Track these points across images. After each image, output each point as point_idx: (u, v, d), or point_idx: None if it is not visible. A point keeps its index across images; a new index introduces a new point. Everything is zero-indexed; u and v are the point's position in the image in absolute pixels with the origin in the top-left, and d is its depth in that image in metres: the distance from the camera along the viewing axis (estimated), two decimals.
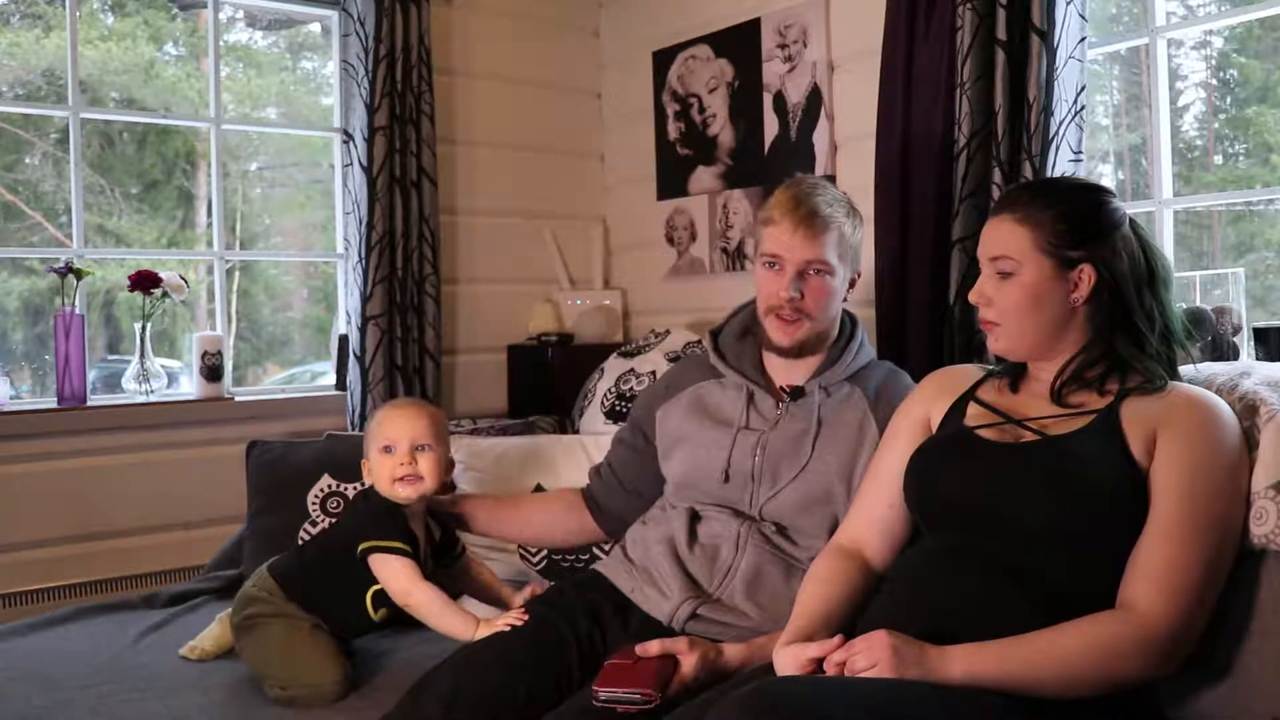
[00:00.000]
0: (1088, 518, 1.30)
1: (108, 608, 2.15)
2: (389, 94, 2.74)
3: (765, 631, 1.57)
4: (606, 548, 2.10)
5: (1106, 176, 2.95)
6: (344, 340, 2.83)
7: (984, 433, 1.44)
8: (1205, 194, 2.59)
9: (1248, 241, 3.10)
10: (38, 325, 3.40)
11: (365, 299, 2.74)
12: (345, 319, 2.86)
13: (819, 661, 1.28)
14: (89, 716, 1.60)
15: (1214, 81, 3.29)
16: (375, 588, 1.70)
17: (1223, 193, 2.56)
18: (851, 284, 1.78)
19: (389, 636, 1.88)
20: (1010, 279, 1.42)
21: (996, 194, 2.09)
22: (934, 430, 1.53)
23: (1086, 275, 1.39)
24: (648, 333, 2.82)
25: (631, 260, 3.31)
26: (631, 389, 2.52)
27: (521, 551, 2.16)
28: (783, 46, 2.75)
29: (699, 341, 1.93)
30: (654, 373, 2.49)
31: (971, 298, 1.48)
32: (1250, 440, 1.37)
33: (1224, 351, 1.95)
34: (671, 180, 3.11)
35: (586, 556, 2.11)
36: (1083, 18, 2.04)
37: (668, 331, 2.73)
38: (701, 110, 3.00)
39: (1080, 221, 1.40)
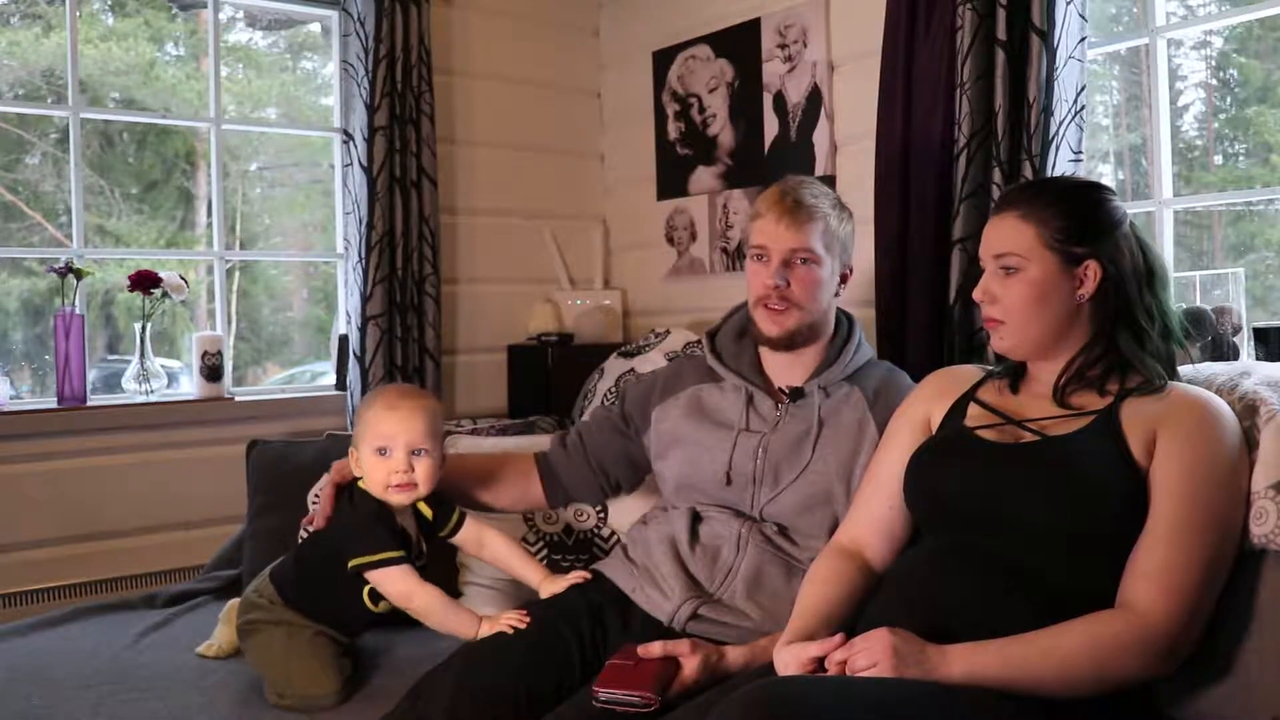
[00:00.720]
0: (1087, 518, 1.31)
1: (108, 608, 2.15)
2: (389, 94, 2.74)
3: (766, 632, 1.57)
4: (607, 548, 2.10)
5: (1106, 176, 2.94)
6: (344, 340, 2.83)
7: (984, 433, 1.44)
8: (1205, 194, 2.59)
9: (1248, 241, 3.10)
10: (38, 325, 3.40)
11: (365, 299, 2.74)
12: (345, 319, 2.86)
13: (820, 660, 1.28)
14: (89, 716, 1.60)
15: (1214, 81, 3.28)
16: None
17: (1223, 193, 2.56)
18: (843, 279, 1.78)
19: (389, 635, 1.88)
20: (1016, 275, 1.42)
21: (997, 194, 2.09)
22: (934, 431, 1.54)
23: (1092, 271, 1.40)
24: (648, 333, 2.82)
25: (631, 260, 3.31)
26: None
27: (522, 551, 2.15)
28: (783, 46, 2.75)
29: (699, 341, 1.92)
30: (654, 373, 2.49)
31: (976, 295, 1.48)
32: (1250, 440, 1.37)
33: (1224, 351, 1.95)
34: (671, 180, 3.11)
35: (586, 557, 2.11)
36: (1083, 18, 2.04)
37: (668, 331, 2.73)
38: (701, 110, 3.00)
39: (1084, 218, 1.41)
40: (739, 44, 2.88)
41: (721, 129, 2.95)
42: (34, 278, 3.43)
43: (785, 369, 1.78)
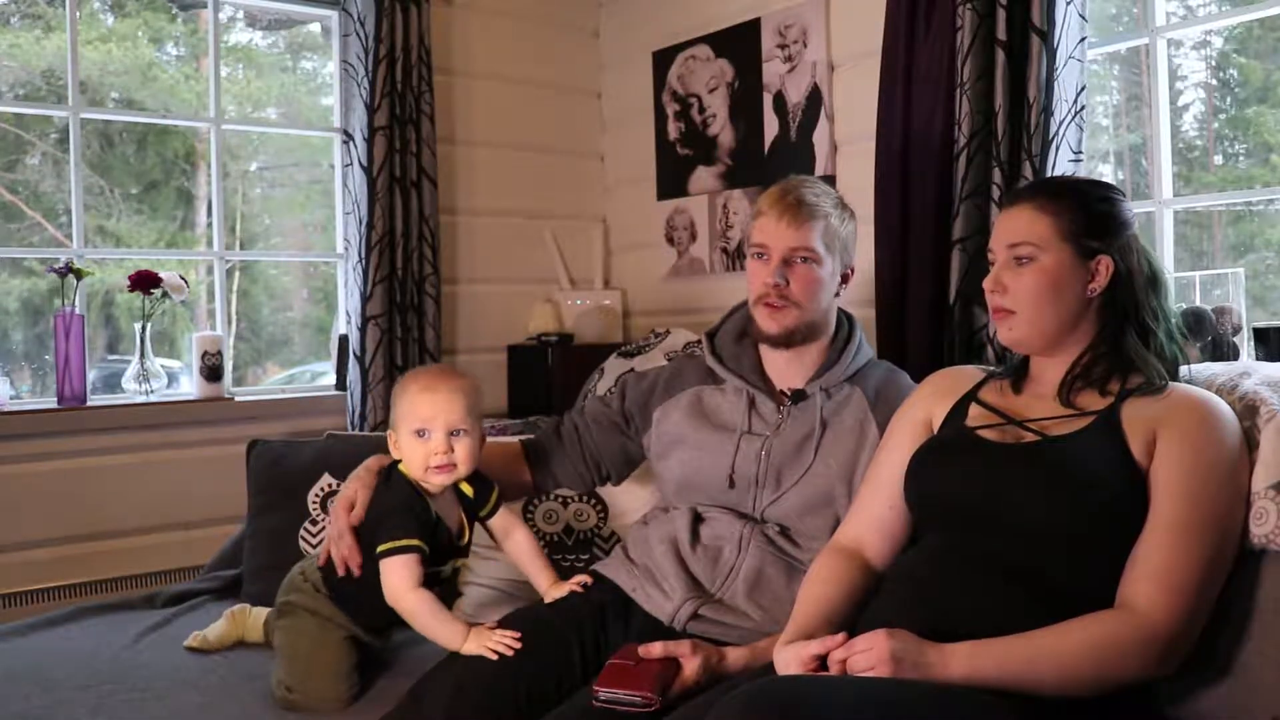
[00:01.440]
0: (1088, 518, 1.31)
1: (108, 608, 2.15)
2: (389, 94, 2.74)
3: (766, 632, 1.57)
4: (607, 548, 2.11)
5: (1106, 176, 2.94)
6: (344, 340, 2.83)
7: (984, 433, 1.44)
8: (1205, 194, 2.59)
9: (1248, 241, 3.10)
10: (38, 325, 3.40)
11: (365, 299, 2.74)
12: (345, 319, 2.86)
13: (821, 659, 1.28)
14: (89, 716, 1.60)
15: (1214, 81, 3.29)
16: None
17: (1223, 193, 2.56)
18: (844, 279, 1.78)
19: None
20: (1029, 265, 1.43)
21: (997, 194, 2.09)
22: (935, 431, 1.54)
23: (1104, 266, 1.41)
24: (648, 333, 2.82)
25: (631, 260, 3.31)
26: None
27: None
28: (783, 46, 2.75)
29: (699, 341, 1.92)
30: (654, 372, 2.49)
31: (986, 285, 1.48)
32: (1250, 440, 1.37)
33: (1224, 351, 1.95)
34: (671, 180, 3.11)
35: (587, 557, 2.11)
36: (1083, 18, 2.04)
37: (668, 331, 2.73)
38: (701, 110, 3.00)
39: (1100, 214, 1.43)
40: (739, 44, 2.88)
41: (721, 129, 2.95)
42: (34, 277, 3.43)
43: (786, 370, 1.77)
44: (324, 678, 1.66)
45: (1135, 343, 1.41)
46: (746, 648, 1.54)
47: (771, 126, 2.80)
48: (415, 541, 1.59)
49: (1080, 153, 2.05)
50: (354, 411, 2.76)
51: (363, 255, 2.75)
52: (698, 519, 1.72)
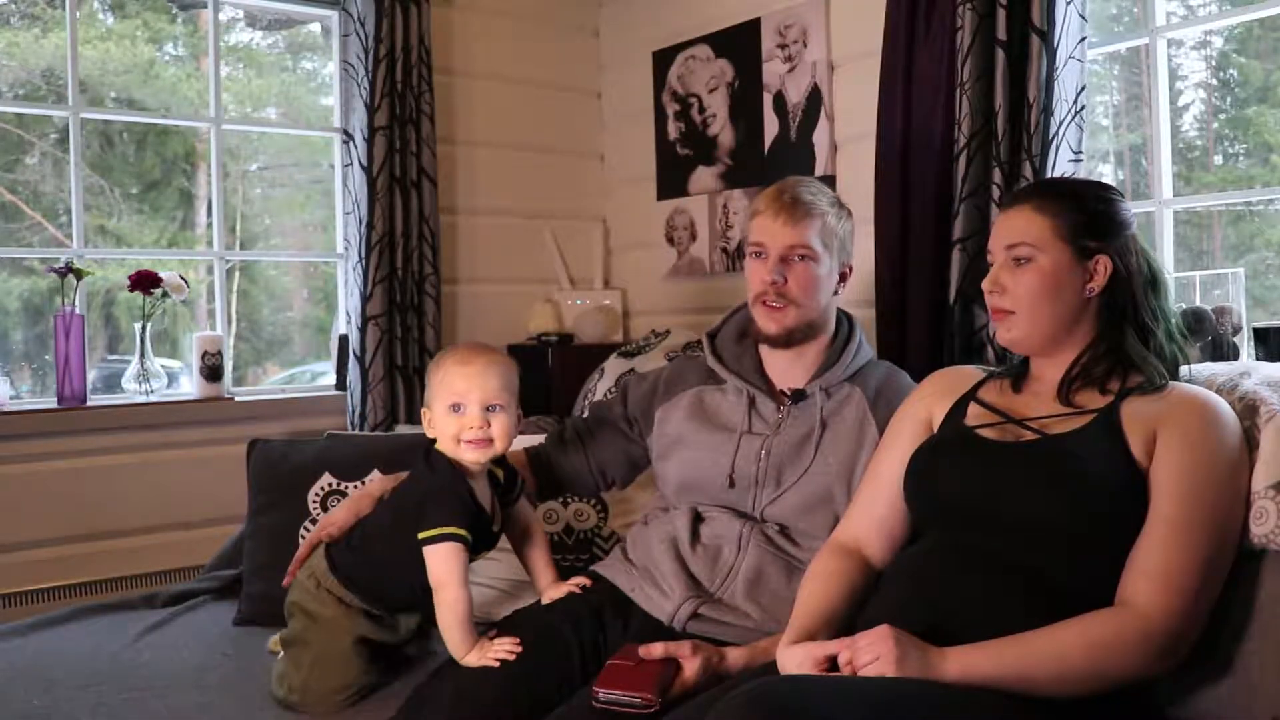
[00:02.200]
0: (1087, 517, 1.31)
1: (108, 608, 2.15)
2: (389, 94, 2.74)
3: (767, 632, 1.57)
4: (607, 548, 2.11)
5: (1106, 176, 2.94)
6: (344, 340, 2.83)
7: (984, 432, 1.45)
8: (1205, 194, 2.59)
9: (1248, 241, 3.10)
10: (38, 325, 3.40)
11: (365, 299, 2.74)
12: (345, 319, 2.86)
13: (832, 659, 1.28)
14: (89, 716, 1.60)
15: (1214, 81, 3.29)
16: None
17: (1223, 193, 2.56)
18: (843, 277, 1.78)
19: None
20: (1028, 265, 1.43)
21: (997, 194, 2.09)
22: (935, 430, 1.54)
23: (1103, 266, 1.41)
24: (648, 333, 2.82)
25: (631, 260, 3.31)
26: None
27: None
28: (783, 46, 2.75)
29: (699, 341, 1.92)
30: (655, 373, 2.49)
31: (985, 286, 1.48)
32: (1250, 440, 1.37)
33: (1224, 351, 1.95)
34: (671, 180, 3.11)
35: (586, 557, 2.11)
36: (1083, 18, 2.04)
37: (668, 331, 2.73)
38: (701, 110, 3.00)
39: (1098, 214, 1.43)
40: (739, 44, 2.88)
41: (721, 129, 2.95)
42: (34, 277, 3.43)
43: (786, 370, 1.78)
44: (324, 682, 1.63)
45: (1135, 342, 1.41)
46: (746, 648, 1.54)
47: (771, 126, 2.80)
48: (462, 532, 1.54)
49: (1080, 153, 2.05)
50: (354, 411, 2.76)
51: (363, 255, 2.75)
52: (698, 519, 1.73)
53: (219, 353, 2.64)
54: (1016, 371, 1.53)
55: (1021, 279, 1.43)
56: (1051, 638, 1.23)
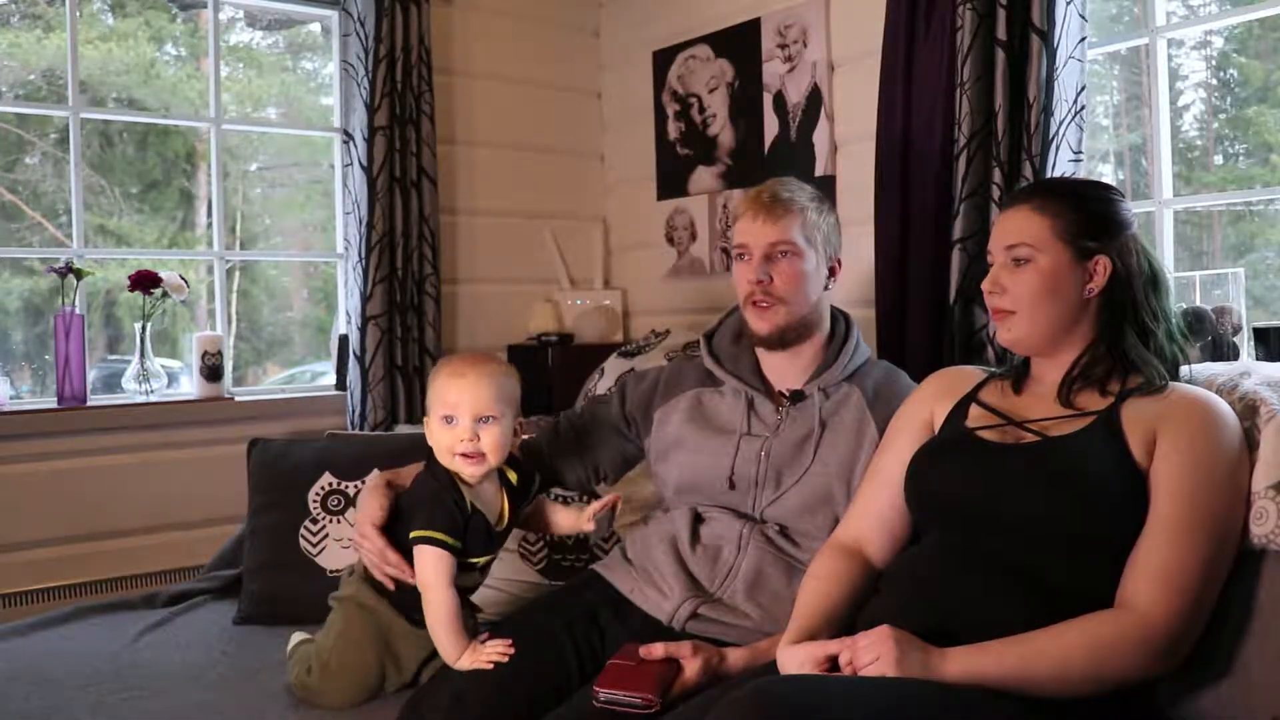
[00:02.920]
0: (1087, 518, 1.31)
1: (108, 608, 2.15)
2: (389, 94, 2.74)
3: (766, 632, 1.57)
4: (607, 548, 2.10)
5: (1107, 176, 2.94)
6: (344, 340, 2.83)
7: (984, 433, 1.45)
8: (1205, 194, 2.59)
9: (1248, 241, 3.10)
10: (38, 325, 3.40)
11: (365, 299, 2.74)
12: (345, 319, 2.86)
13: (832, 659, 1.28)
14: (89, 716, 1.60)
15: (1214, 81, 3.29)
16: None
17: (1223, 193, 2.56)
18: (832, 272, 1.78)
19: None
20: (1027, 266, 1.43)
21: (997, 194, 2.09)
22: (936, 431, 1.54)
23: (1103, 266, 1.41)
24: (648, 333, 2.82)
25: (631, 260, 3.31)
26: None
27: (522, 550, 2.16)
28: (783, 46, 2.75)
29: (698, 342, 1.92)
30: (654, 373, 2.49)
31: (985, 286, 1.49)
32: (1250, 440, 1.37)
33: (1224, 351, 1.95)
34: (671, 180, 3.11)
35: (586, 557, 2.11)
36: (1083, 18, 2.04)
37: (668, 331, 2.73)
38: (701, 110, 3.00)
39: (1097, 215, 1.43)
40: (739, 44, 2.88)
41: (721, 129, 2.95)
42: (34, 277, 3.43)
43: (784, 370, 1.77)
44: (341, 675, 1.63)
45: (1135, 343, 1.41)
46: (747, 648, 1.54)
47: (771, 126, 2.80)
48: (444, 537, 1.55)
49: (1080, 153, 2.05)
50: (354, 411, 2.76)
51: (363, 255, 2.75)
52: (698, 519, 1.72)
53: (219, 353, 2.64)
54: (1017, 372, 1.53)
55: (1021, 279, 1.44)
56: (1052, 638, 1.23)
